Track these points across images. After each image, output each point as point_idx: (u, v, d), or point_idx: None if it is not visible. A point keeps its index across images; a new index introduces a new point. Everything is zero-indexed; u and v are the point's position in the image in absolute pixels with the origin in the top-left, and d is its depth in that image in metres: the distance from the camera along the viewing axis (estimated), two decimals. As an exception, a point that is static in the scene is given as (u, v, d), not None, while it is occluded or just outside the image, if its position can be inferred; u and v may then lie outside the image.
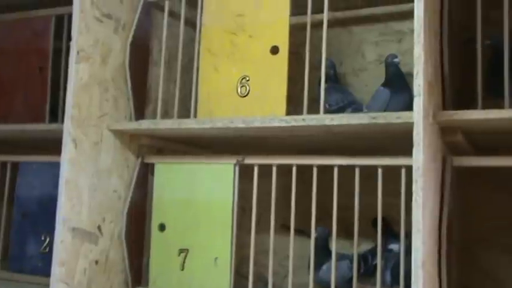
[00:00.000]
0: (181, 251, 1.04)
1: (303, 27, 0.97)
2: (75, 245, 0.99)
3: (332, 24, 1.23)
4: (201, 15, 1.05)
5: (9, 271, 1.15)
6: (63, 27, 1.19)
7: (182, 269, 1.03)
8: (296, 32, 1.00)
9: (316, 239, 1.01)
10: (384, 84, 1.07)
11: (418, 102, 0.75)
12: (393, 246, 1.05)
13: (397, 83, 1.05)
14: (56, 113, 1.18)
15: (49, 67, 1.19)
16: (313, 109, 0.94)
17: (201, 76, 1.04)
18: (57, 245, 0.95)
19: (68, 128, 0.98)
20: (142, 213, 1.10)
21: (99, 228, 1.04)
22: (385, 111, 1.01)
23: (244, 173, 1.02)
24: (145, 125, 1.05)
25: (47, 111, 1.18)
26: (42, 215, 1.13)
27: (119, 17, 1.09)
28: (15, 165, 1.19)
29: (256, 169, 0.99)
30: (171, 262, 1.04)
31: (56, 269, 0.95)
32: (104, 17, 1.05)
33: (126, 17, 1.10)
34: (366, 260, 1.07)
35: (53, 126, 1.13)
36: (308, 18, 0.96)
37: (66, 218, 0.97)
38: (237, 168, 1.01)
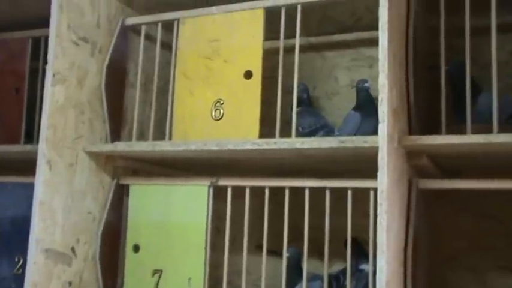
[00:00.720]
0: (155, 271, 1.04)
1: (276, 51, 0.99)
2: (48, 266, 0.98)
3: (305, 49, 1.27)
4: (176, 40, 1.08)
5: (-19, 293, 1.14)
6: (39, 48, 1.20)
7: (156, 290, 1.04)
8: (270, 56, 1.02)
9: (289, 259, 1.03)
10: (355, 108, 1.09)
11: (383, 128, 0.78)
12: (364, 267, 1.07)
13: (368, 107, 1.08)
14: (32, 134, 1.18)
15: (25, 88, 1.20)
16: (287, 131, 0.97)
17: (176, 99, 1.06)
18: (29, 266, 0.95)
19: (43, 149, 0.98)
20: (116, 234, 1.10)
21: (72, 249, 1.04)
22: (355, 134, 1.04)
23: (219, 194, 1.03)
24: (120, 147, 1.06)
25: (22, 132, 1.18)
26: (16, 236, 1.12)
27: (96, 41, 1.10)
28: (-11, 186, 1.19)
29: (229, 191, 1.01)
30: (145, 283, 1.04)
31: (28, 291, 0.94)
32: (80, 40, 1.06)
33: (103, 40, 1.12)
34: (338, 280, 1.09)
35: (28, 147, 1.14)
36: (281, 43, 0.99)
37: (39, 239, 0.97)
38: (211, 190, 1.03)
